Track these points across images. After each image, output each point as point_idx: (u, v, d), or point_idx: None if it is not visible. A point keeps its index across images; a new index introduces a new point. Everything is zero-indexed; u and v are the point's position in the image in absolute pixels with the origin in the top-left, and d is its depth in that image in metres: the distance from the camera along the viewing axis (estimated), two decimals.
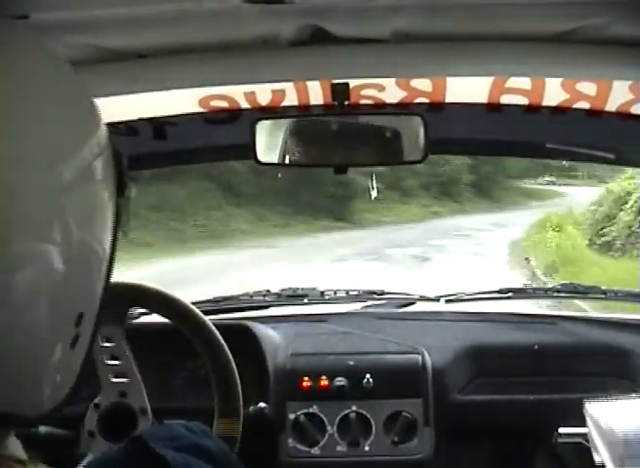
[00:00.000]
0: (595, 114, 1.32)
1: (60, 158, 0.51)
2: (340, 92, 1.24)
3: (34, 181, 0.48)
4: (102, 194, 0.56)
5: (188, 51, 1.09)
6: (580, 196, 21.12)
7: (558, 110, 1.34)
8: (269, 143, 1.31)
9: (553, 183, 31.47)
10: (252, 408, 1.42)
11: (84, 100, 0.57)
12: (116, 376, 1.27)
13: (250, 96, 1.33)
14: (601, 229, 13.32)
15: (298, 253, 12.81)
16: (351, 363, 1.58)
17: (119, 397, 1.22)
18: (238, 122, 1.41)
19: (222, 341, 1.26)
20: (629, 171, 11.31)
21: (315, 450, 1.53)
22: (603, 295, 1.88)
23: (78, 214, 0.52)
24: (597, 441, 1.35)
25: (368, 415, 1.54)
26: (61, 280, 0.51)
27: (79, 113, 0.56)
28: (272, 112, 1.37)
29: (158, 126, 1.44)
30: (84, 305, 0.55)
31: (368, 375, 1.55)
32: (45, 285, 0.49)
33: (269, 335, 1.64)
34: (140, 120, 1.41)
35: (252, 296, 1.92)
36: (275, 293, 1.94)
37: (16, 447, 0.53)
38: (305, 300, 1.91)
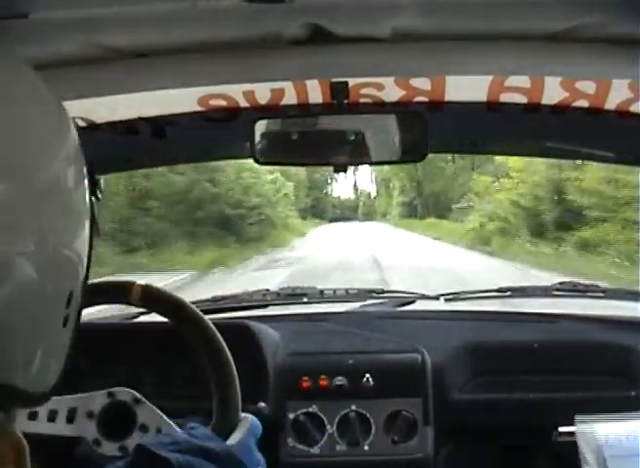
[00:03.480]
0: (595, 112, 1.32)
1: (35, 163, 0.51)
2: (339, 90, 1.24)
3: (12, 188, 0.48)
4: (77, 194, 0.56)
5: (188, 50, 1.09)
6: None
7: (557, 109, 1.34)
8: (268, 142, 1.31)
9: None
10: (251, 407, 1.42)
11: (52, 105, 0.56)
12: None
13: (249, 94, 1.33)
14: None
15: None
16: (351, 362, 1.58)
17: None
18: (237, 121, 1.41)
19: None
20: None
21: (315, 450, 1.53)
22: (602, 294, 1.88)
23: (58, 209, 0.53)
24: (584, 449, 1.36)
25: (368, 415, 1.53)
26: (54, 259, 0.51)
27: (49, 118, 0.55)
28: (271, 111, 1.37)
29: (157, 125, 1.44)
30: (72, 284, 0.55)
31: (367, 375, 1.55)
32: (38, 264, 0.49)
33: (269, 335, 1.64)
34: (140, 119, 1.41)
35: (251, 296, 1.93)
36: (274, 293, 1.95)
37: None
38: (305, 299, 1.92)
